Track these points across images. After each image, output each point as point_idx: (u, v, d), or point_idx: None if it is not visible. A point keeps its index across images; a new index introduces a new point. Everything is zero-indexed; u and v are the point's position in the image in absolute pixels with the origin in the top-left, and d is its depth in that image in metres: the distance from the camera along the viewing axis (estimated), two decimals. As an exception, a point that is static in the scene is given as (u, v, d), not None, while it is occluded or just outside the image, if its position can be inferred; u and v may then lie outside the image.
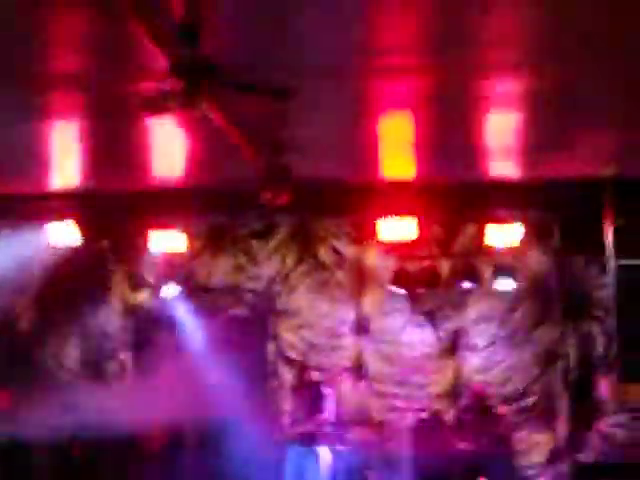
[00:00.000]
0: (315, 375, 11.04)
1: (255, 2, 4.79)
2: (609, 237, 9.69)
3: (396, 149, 9.33)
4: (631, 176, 9.58)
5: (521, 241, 10.64)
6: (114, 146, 8.66)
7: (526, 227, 10.69)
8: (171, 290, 10.87)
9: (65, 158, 9.16)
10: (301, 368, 10.84)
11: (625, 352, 9.07)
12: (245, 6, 4.92)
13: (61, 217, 9.95)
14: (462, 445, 10.06)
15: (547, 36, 5.74)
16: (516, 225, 10.24)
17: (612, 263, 9.54)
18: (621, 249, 9.56)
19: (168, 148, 9.09)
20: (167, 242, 10.22)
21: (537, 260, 11.11)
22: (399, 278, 10.69)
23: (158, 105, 5.42)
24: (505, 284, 10.66)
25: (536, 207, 10.81)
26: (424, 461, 10.19)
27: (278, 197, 7.89)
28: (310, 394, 10.59)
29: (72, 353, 11.32)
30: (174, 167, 9.91)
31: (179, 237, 10.28)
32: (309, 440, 10.16)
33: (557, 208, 10.80)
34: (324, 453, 10.10)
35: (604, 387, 9.57)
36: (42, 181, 9.91)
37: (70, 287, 10.96)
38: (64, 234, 9.98)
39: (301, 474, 10.04)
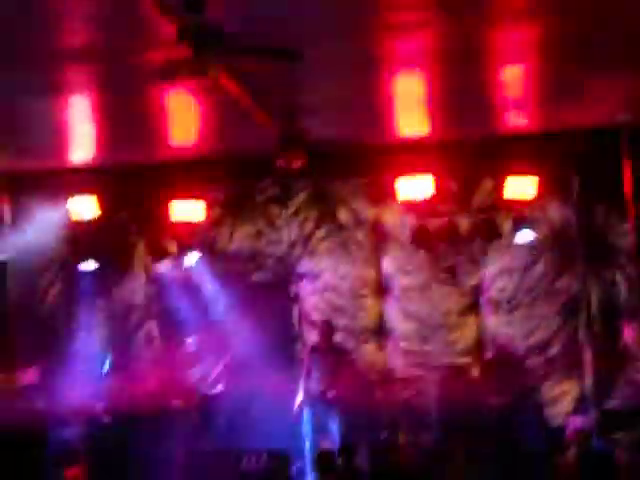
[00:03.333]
0: (340, 337, 11.19)
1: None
2: (627, 185, 9.64)
3: (410, 107, 9.31)
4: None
5: (540, 193, 10.65)
6: (128, 118, 8.70)
7: (545, 179, 10.68)
8: (193, 258, 10.97)
9: (81, 132, 9.22)
10: (326, 330, 10.88)
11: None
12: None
13: (81, 191, 10.02)
14: (490, 399, 10.11)
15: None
16: (533, 177, 10.20)
17: (631, 210, 9.50)
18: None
19: (182, 118, 9.13)
20: (186, 211, 10.28)
21: (557, 211, 11.09)
22: (419, 236, 10.70)
23: (169, 73, 5.46)
24: (525, 236, 10.65)
25: (553, 158, 10.76)
26: (452, 417, 10.27)
27: (293, 162, 7.91)
28: (335, 356, 10.66)
29: (100, 324, 11.45)
30: (189, 137, 9.95)
31: (198, 206, 10.34)
32: (332, 400, 10.25)
33: (575, 158, 10.75)
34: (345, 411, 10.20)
35: (629, 334, 9.58)
36: (61, 156, 9.99)
37: (94, 259, 11.05)
38: (84, 208, 10.08)
39: (322, 431, 10.17)
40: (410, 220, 10.91)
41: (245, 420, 10.52)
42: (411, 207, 10.71)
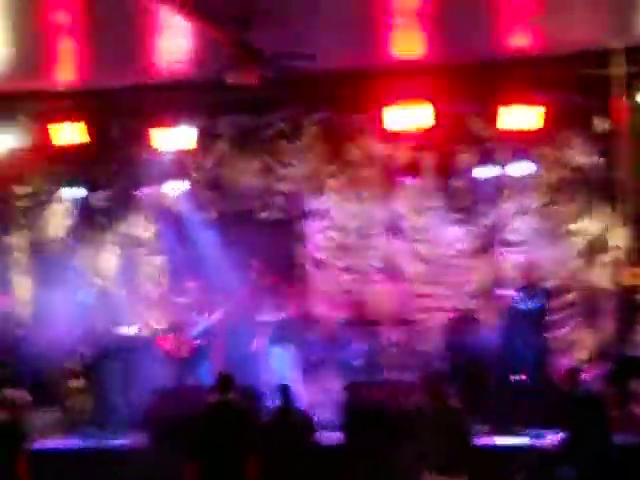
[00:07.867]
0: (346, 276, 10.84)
1: None
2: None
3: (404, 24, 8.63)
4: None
5: (557, 125, 9.95)
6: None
7: (561, 110, 9.97)
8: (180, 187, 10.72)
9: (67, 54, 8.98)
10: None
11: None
12: None
13: (66, 117, 9.85)
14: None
15: None
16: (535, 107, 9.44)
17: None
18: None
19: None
20: (177, 140, 9.99)
21: (579, 147, 10.37)
22: (413, 168, 10.15)
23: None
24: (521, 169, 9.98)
25: (569, 88, 9.99)
26: (455, 355, 9.78)
27: (246, 77, 7.39)
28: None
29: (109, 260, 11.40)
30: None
31: (189, 133, 10.01)
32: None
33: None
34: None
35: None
36: (48, 78, 9.82)
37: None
38: (70, 133, 9.90)
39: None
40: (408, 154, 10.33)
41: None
42: (405, 139, 10.15)
